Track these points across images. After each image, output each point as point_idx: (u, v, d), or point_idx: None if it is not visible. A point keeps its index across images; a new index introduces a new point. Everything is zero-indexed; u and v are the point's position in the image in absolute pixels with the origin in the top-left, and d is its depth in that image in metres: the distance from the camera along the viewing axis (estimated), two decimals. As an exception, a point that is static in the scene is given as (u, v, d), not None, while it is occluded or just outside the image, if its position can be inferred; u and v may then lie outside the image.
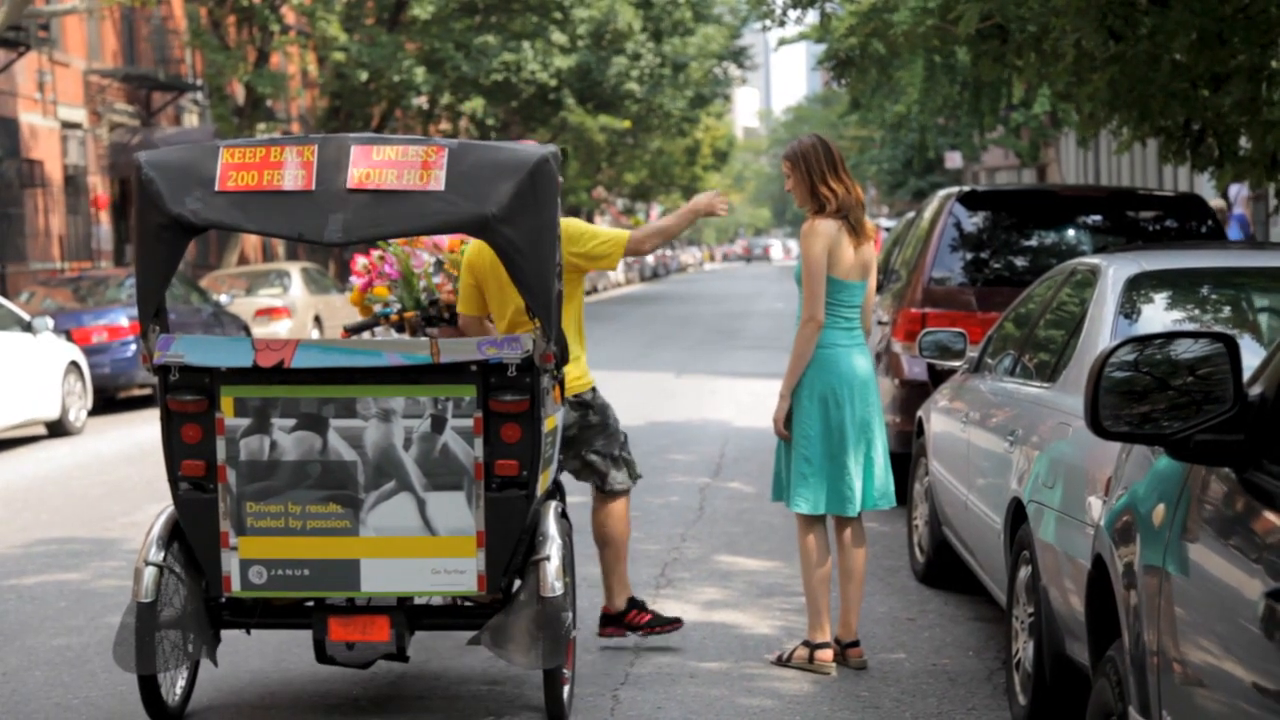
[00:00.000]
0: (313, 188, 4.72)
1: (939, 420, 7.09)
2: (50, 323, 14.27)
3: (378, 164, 4.73)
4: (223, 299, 19.57)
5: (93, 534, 9.00)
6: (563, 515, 5.21)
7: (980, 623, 6.54)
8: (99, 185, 28.84)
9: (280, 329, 20.98)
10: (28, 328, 13.93)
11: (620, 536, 6.03)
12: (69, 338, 15.34)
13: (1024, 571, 5.11)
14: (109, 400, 16.71)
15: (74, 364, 14.55)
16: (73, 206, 28.02)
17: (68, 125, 27.82)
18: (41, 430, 14.47)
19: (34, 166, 26.18)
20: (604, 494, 5.97)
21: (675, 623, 6.14)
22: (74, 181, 28.17)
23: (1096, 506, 4.21)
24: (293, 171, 4.73)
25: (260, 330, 20.44)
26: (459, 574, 4.88)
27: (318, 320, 22.20)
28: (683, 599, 6.97)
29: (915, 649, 6.14)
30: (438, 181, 4.70)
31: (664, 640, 6.18)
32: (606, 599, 6.12)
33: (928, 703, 5.42)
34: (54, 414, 14.11)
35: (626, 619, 6.10)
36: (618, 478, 5.95)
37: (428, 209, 4.71)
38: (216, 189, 4.74)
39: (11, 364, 13.42)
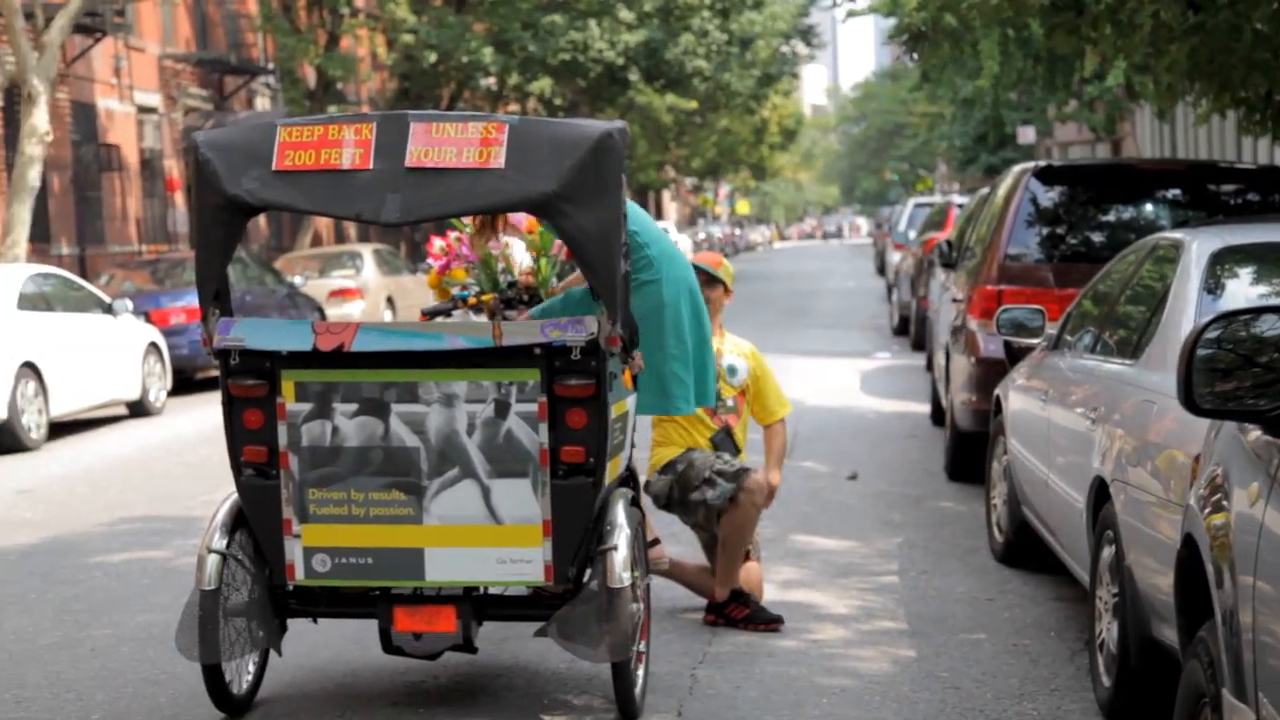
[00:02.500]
0: (370, 166, 4.57)
1: (1017, 398, 7.03)
2: (129, 305, 14.47)
3: (436, 142, 4.57)
4: (297, 281, 19.75)
5: (174, 512, 9.12)
6: (634, 503, 5.09)
7: (1061, 603, 6.49)
8: (174, 168, 29.16)
9: (353, 310, 21.14)
10: (108, 310, 14.15)
11: (731, 537, 6.06)
12: (148, 319, 15.57)
13: (1107, 551, 5.06)
14: (186, 380, 16.93)
15: (153, 345, 14.76)
16: (149, 190, 28.37)
17: (143, 110, 28.15)
18: (123, 410, 14.70)
19: (111, 151, 26.53)
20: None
21: (776, 621, 6.11)
22: (150, 165, 28.51)
23: (1185, 484, 4.15)
24: (350, 150, 4.59)
25: (334, 311, 20.61)
26: (525, 563, 4.74)
27: (390, 301, 22.34)
28: (759, 578, 6.96)
29: (995, 629, 6.10)
30: (498, 159, 4.54)
31: (742, 619, 6.18)
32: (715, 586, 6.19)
33: (1009, 683, 5.38)
34: (134, 394, 14.33)
35: (726, 610, 6.12)
36: (713, 494, 6.04)
37: (487, 187, 4.54)
38: (274, 168, 4.61)
39: (94, 345, 13.64)
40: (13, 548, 8.31)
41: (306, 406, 4.76)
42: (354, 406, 4.75)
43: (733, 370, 6.34)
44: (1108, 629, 5.01)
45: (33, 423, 12.51)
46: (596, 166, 4.59)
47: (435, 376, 4.73)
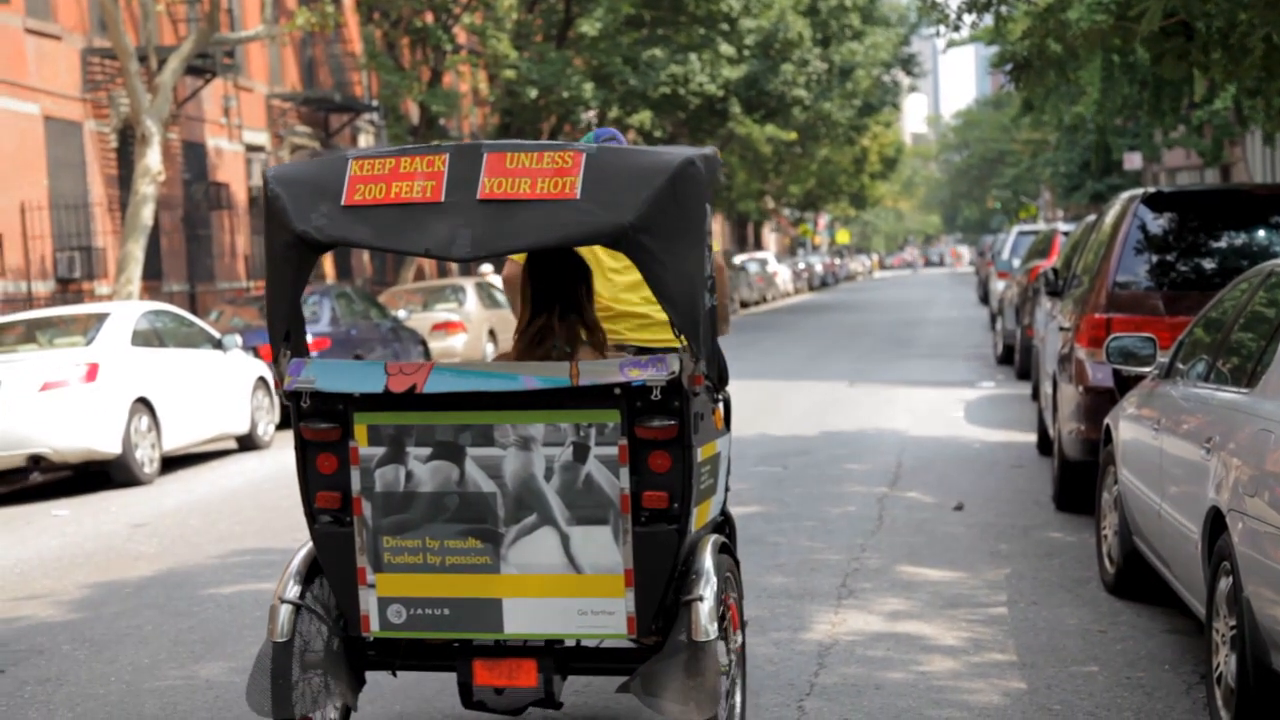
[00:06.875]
0: (441, 199, 4.31)
1: (1128, 428, 6.92)
2: (239, 340, 14.73)
3: (511, 172, 4.30)
4: (400, 315, 19.99)
5: (284, 544, 9.25)
6: (723, 550, 4.72)
7: (1175, 635, 6.36)
8: (281, 206, 29.68)
9: (456, 343, 21.35)
10: (218, 345, 14.42)
11: None
12: (256, 354, 15.83)
13: (1224, 582, 4.96)
14: (294, 415, 17.17)
15: (261, 379, 15.01)
16: (257, 227, 28.89)
17: (251, 148, 28.73)
18: (232, 444, 14.95)
19: (220, 189, 27.08)
20: None
21: None
22: (258, 203, 29.04)
23: (1305, 515, 4.06)
24: (421, 182, 4.34)
25: (436, 345, 20.83)
26: (607, 615, 4.45)
27: (492, 334, 22.52)
28: (866, 609, 6.91)
29: (1108, 662, 6.00)
30: (573, 189, 4.26)
31: (849, 651, 6.13)
32: None
33: (1124, 717, 5.29)
34: (244, 428, 14.58)
35: None
36: None
37: (562, 219, 4.25)
38: (343, 203, 4.37)
39: (205, 381, 13.92)
40: (128, 581, 8.48)
41: (380, 450, 4.51)
42: (428, 450, 4.49)
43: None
44: (1225, 662, 4.90)
45: (146, 457, 12.77)
46: (676, 196, 4.28)
47: (511, 419, 4.46)
